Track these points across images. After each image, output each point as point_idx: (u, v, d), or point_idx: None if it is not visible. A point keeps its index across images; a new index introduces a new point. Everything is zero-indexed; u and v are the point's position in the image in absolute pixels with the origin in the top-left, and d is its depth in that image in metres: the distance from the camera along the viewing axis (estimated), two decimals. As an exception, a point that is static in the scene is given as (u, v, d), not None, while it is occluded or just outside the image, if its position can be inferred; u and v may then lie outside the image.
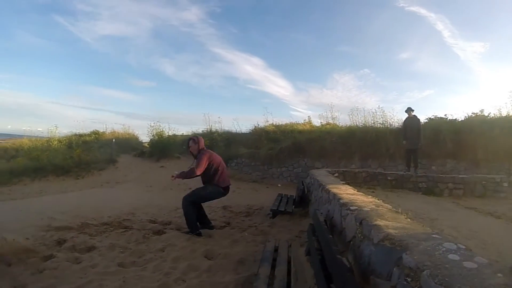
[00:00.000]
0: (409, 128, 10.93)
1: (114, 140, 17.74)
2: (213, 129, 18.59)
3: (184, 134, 19.69)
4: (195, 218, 5.81)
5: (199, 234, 5.56)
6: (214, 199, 6.09)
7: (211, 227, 5.97)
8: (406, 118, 11.16)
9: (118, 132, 20.69)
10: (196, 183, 6.34)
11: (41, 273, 3.76)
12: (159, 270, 3.98)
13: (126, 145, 18.56)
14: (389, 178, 10.47)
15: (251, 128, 18.36)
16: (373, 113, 15.67)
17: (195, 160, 5.90)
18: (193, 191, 5.95)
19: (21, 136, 20.77)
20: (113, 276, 3.75)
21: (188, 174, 5.78)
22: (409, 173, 10.70)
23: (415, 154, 10.88)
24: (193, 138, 6.12)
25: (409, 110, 10.98)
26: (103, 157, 16.23)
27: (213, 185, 5.90)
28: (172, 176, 5.90)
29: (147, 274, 3.86)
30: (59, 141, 18.12)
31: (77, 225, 5.84)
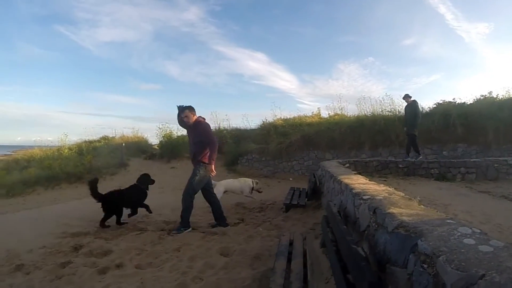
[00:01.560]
0: (408, 115, 11.00)
1: (123, 144, 17.85)
2: (222, 127, 18.62)
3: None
4: (190, 215, 5.83)
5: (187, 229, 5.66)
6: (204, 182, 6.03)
7: (225, 225, 5.99)
8: (406, 106, 11.17)
9: (127, 136, 20.80)
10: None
11: (60, 279, 3.82)
12: (176, 270, 4.01)
13: (136, 149, 18.65)
14: (400, 165, 10.41)
15: (259, 124, 18.41)
16: (381, 101, 15.63)
17: (197, 133, 5.85)
18: (188, 183, 5.90)
19: (31, 147, 20.95)
20: (131, 278, 3.80)
21: (213, 153, 5.85)
22: (421, 158, 10.68)
23: (412, 139, 10.86)
24: (189, 106, 5.94)
25: (406, 96, 11.01)
26: (114, 161, 16.36)
27: (201, 164, 5.84)
28: (213, 173, 6.01)
29: (164, 274, 3.89)
30: (70, 148, 18.28)
31: (92, 230, 5.92)
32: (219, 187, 7.70)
